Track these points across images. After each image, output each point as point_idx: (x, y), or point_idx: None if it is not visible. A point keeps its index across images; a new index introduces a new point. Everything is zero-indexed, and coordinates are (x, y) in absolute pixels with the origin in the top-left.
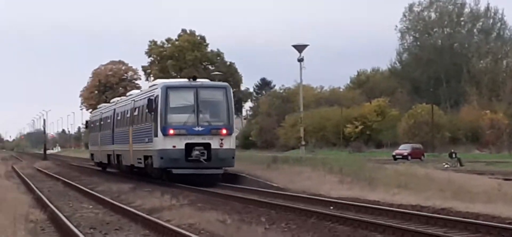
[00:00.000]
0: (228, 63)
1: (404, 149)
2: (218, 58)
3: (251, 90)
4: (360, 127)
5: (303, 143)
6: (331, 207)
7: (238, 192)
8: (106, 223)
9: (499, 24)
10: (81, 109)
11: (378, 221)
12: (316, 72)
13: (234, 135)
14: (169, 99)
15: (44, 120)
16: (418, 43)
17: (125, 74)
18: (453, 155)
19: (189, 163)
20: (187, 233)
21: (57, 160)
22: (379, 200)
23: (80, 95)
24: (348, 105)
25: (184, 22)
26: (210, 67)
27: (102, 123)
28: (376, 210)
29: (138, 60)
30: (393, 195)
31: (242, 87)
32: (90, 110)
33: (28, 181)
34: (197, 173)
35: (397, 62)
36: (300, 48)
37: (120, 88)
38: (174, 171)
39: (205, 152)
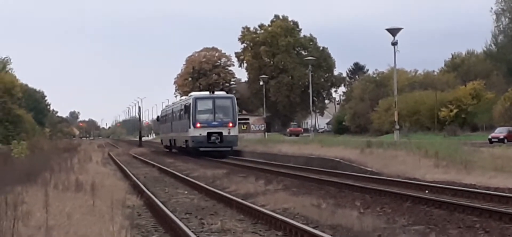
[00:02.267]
0: (321, 48)
1: (500, 132)
2: (311, 43)
3: (344, 75)
4: (455, 111)
5: (397, 127)
6: (427, 191)
7: (333, 176)
8: (201, 209)
9: None
10: (175, 96)
11: (475, 204)
12: (410, 56)
13: (237, 127)
14: (197, 105)
15: (139, 107)
16: None
17: (218, 61)
18: None
19: (209, 144)
20: (282, 217)
21: (152, 147)
22: (476, 183)
23: (174, 83)
24: (442, 88)
25: (277, 7)
26: (303, 52)
27: (166, 118)
28: (472, 194)
29: (231, 47)
30: (490, 178)
31: (335, 72)
32: (181, 95)
33: (124, 168)
34: (214, 150)
35: (492, 44)
36: (394, 31)
37: (214, 75)
38: (201, 149)
39: (219, 137)
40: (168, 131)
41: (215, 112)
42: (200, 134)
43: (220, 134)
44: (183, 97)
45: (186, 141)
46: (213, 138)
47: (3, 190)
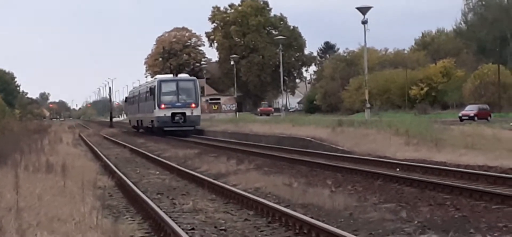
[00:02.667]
0: (292, 27)
1: (470, 109)
2: (281, 22)
3: (315, 54)
4: (425, 89)
5: (368, 105)
6: (398, 169)
7: (304, 155)
8: (173, 189)
9: None
10: (146, 77)
11: (445, 182)
12: (380, 34)
13: (199, 107)
14: (162, 87)
15: (110, 88)
16: (483, 2)
17: (189, 41)
18: None
19: (173, 124)
20: (254, 197)
21: (123, 127)
22: (446, 161)
23: (145, 63)
24: (413, 67)
25: None
26: (273, 31)
27: (133, 99)
28: (443, 171)
29: (201, 27)
30: (460, 156)
31: (306, 52)
32: (152, 76)
33: (95, 148)
34: (178, 129)
35: (462, 22)
36: (364, 10)
37: (184, 55)
38: (165, 129)
39: (183, 117)
40: (136, 112)
41: (179, 94)
42: (165, 114)
43: (183, 114)
44: (149, 80)
45: (152, 121)
46: (177, 118)
47: None
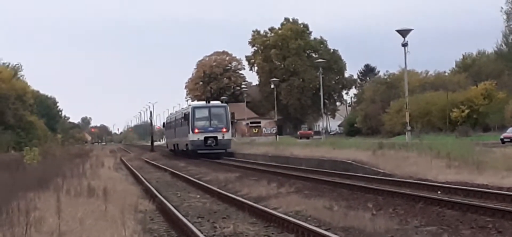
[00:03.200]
0: (332, 50)
1: None
2: (321, 45)
3: (355, 77)
4: (466, 111)
5: (408, 128)
6: (439, 192)
7: (345, 179)
8: (213, 212)
9: None
10: (187, 101)
11: (487, 204)
12: (421, 57)
13: (230, 132)
14: (195, 113)
15: (151, 112)
16: None
17: (229, 65)
18: None
19: (206, 147)
20: (295, 220)
21: (163, 152)
22: (488, 183)
23: (185, 87)
24: (454, 89)
25: (287, 10)
26: (313, 55)
27: (170, 124)
28: (485, 194)
29: (242, 50)
30: (502, 178)
31: (346, 74)
32: (192, 99)
33: (136, 173)
34: (210, 152)
35: (503, 44)
36: (404, 33)
37: (225, 78)
38: (198, 151)
39: (214, 140)
40: (173, 136)
41: (211, 119)
42: (198, 139)
43: (215, 138)
44: (184, 107)
45: (187, 144)
46: (209, 141)
47: (15, 196)
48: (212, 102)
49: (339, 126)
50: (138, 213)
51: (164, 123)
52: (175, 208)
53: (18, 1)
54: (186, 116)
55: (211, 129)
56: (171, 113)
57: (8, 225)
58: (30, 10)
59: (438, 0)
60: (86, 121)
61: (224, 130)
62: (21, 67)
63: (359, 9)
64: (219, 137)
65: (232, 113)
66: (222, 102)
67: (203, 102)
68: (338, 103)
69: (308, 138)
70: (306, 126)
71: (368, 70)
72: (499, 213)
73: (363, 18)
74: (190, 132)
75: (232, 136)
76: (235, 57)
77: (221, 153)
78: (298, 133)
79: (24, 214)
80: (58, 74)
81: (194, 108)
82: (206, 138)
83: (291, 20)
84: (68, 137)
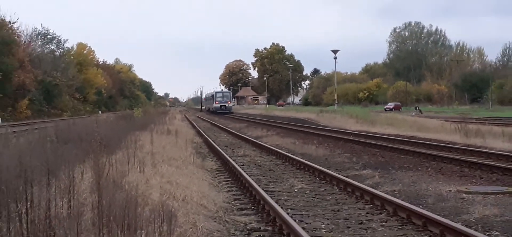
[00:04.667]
0: (297, 60)
1: (390, 105)
2: (291, 57)
3: (309, 74)
4: (367, 94)
5: (336, 102)
6: (351, 136)
7: (302, 128)
8: (233, 144)
9: (443, 38)
10: (220, 86)
11: (377, 143)
12: (344, 63)
13: (231, 103)
14: (216, 95)
15: (201, 91)
16: (399, 48)
17: (242, 67)
18: (417, 108)
19: (221, 110)
20: (275, 149)
21: (208, 112)
22: (377, 132)
23: (219, 78)
24: (360, 82)
25: (274, 37)
26: (287, 62)
27: (206, 98)
28: (375, 137)
29: (249, 58)
30: (385, 129)
31: (304, 73)
32: (224, 85)
33: (193, 123)
34: (222, 112)
35: (387, 59)
36: (335, 51)
37: (240, 74)
38: (218, 112)
39: (224, 107)
40: (207, 104)
41: (223, 97)
42: (217, 106)
43: (225, 106)
44: (212, 91)
45: (213, 108)
46: (222, 107)
47: (129, 133)
48: (223, 89)
49: (300, 100)
50: (193, 143)
51: (203, 98)
52: (213, 141)
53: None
54: (212, 96)
55: (223, 101)
56: (206, 94)
57: (125, 148)
58: (136, 25)
59: (357, 32)
60: (166, 94)
61: (229, 102)
62: (133, 65)
63: (312, 36)
64: (227, 105)
65: (236, 94)
66: (229, 90)
67: (220, 89)
68: (299, 88)
69: (282, 106)
70: (282, 99)
71: (315, 71)
72: (383, 147)
73: (314, 42)
74: (214, 102)
75: (240, 105)
76: (245, 62)
77: (228, 113)
78: (276, 104)
79: (133, 142)
80: (152, 65)
81: (216, 92)
82: (221, 106)
83: (275, 43)
84: (157, 103)
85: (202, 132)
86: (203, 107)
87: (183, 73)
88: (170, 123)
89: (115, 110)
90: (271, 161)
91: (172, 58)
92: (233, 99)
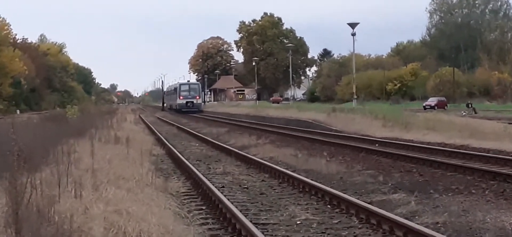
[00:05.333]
0: (299, 37)
1: (431, 101)
2: (291, 34)
3: (316, 58)
4: (398, 85)
5: (355, 97)
6: (376, 145)
7: (307, 133)
8: (208, 157)
9: (505, 6)
10: (189, 74)
11: (412, 154)
12: (365, 43)
13: (201, 99)
14: (181, 88)
15: (162, 81)
16: (443, 20)
17: (222, 47)
18: (469, 105)
19: (186, 107)
20: (269, 163)
21: (171, 111)
22: (413, 139)
23: (189, 63)
24: (389, 68)
25: (266, 6)
26: (285, 40)
27: (168, 92)
28: (411, 147)
29: (231, 36)
30: (424, 135)
31: (309, 56)
32: (196, 73)
33: (151, 126)
34: (189, 110)
35: (427, 35)
36: (353, 25)
37: (218, 57)
38: (182, 110)
39: (191, 104)
40: (169, 100)
41: (190, 91)
42: (182, 102)
43: (192, 102)
44: (174, 82)
45: (176, 105)
46: (188, 104)
47: (60, 141)
48: (190, 81)
49: (303, 94)
50: (152, 156)
51: (164, 91)
52: (180, 153)
53: None
54: (175, 89)
55: (190, 97)
56: (168, 86)
57: (55, 163)
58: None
59: (379, 1)
60: (113, 86)
61: (197, 97)
62: (65, 45)
63: (320, 6)
64: (194, 101)
65: (213, 85)
66: (202, 78)
67: (186, 81)
68: (302, 77)
69: (278, 103)
70: (277, 93)
71: (326, 53)
72: (421, 161)
73: (323, 13)
74: (178, 97)
75: (219, 101)
76: (226, 41)
77: (195, 111)
78: (270, 99)
79: (66, 155)
80: (92, 48)
81: (180, 84)
82: (186, 102)
83: (268, 14)
84: (99, 99)
85: (164, 139)
86: (165, 104)
87: (138, 57)
88: (119, 126)
89: (40, 109)
90: (262, 180)
91: (122, 35)
92: (208, 92)
